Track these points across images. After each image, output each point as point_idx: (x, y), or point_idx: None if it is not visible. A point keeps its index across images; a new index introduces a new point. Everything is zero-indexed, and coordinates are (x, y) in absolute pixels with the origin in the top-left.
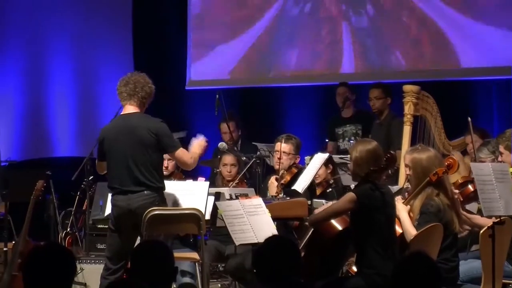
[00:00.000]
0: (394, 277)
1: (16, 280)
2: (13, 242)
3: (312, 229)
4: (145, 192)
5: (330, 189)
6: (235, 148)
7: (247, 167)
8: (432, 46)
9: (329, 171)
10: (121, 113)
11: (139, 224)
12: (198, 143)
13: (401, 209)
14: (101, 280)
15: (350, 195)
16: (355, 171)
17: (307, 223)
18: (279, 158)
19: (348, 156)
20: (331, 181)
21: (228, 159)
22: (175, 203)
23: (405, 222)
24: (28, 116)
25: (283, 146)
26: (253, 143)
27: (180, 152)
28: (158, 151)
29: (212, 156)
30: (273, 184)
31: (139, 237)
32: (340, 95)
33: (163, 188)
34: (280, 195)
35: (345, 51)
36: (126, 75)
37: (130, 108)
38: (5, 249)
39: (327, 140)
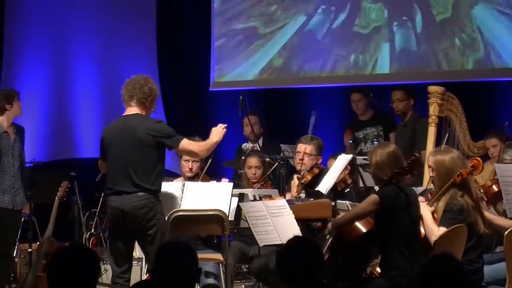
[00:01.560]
0: (420, 279)
1: (40, 281)
2: (38, 243)
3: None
4: (139, 193)
5: (348, 189)
6: (257, 144)
7: (271, 169)
8: (461, 46)
9: (347, 172)
10: (123, 114)
11: (133, 226)
12: (216, 130)
13: (424, 207)
14: (111, 285)
15: (372, 197)
16: (377, 174)
17: (329, 228)
18: (301, 159)
19: None
20: (349, 181)
21: (253, 161)
22: (199, 204)
23: (427, 220)
24: (52, 117)
25: (304, 147)
26: (280, 144)
27: (184, 143)
28: (156, 153)
29: (235, 157)
30: (295, 184)
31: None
32: (355, 102)
33: (158, 190)
34: (301, 194)
35: (374, 51)
36: (130, 77)
37: (130, 110)
38: (29, 249)
39: (351, 141)
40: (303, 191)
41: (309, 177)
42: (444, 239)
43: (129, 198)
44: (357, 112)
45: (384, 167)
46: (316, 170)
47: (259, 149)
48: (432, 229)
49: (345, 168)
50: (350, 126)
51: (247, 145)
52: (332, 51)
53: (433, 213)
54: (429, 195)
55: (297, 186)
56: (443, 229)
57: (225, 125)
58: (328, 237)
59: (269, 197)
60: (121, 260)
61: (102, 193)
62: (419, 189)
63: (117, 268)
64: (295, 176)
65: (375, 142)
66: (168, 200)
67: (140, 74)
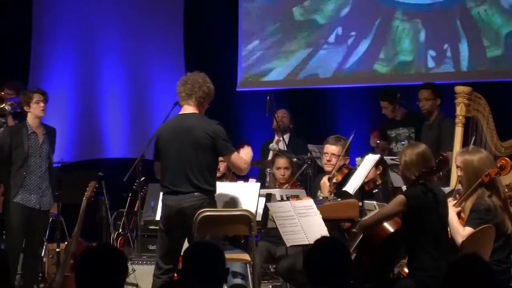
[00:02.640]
0: (447, 279)
1: (68, 280)
2: (66, 243)
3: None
4: (195, 193)
5: (376, 190)
6: (283, 138)
7: (300, 171)
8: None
9: (378, 172)
10: (179, 113)
11: (187, 225)
12: (245, 153)
13: (449, 208)
14: (153, 279)
15: (400, 198)
16: (405, 174)
17: (356, 230)
18: (328, 160)
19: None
20: (378, 182)
21: (281, 162)
22: (227, 204)
23: (452, 220)
24: (80, 118)
25: (332, 148)
26: (308, 144)
27: (235, 156)
28: (213, 154)
29: (260, 157)
30: (325, 184)
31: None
32: (384, 108)
33: (214, 191)
34: (331, 195)
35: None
36: (186, 75)
37: (188, 108)
38: (57, 249)
39: (378, 142)
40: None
41: (339, 177)
42: (471, 239)
43: (186, 198)
44: (388, 117)
45: (412, 167)
46: (345, 170)
47: (284, 145)
48: (458, 229)
49: (377, 168)
50: (382, 125)
51: (273, 145)
52: (360, 51)
53: (460, 212)
54: (457, 195)
55: (330, 186)
56: (468, 229)
57: (249, 147)
58: (354, 240)
59: (296, 197)
60: (166, 258)
61: (130, 193)
62: (446, 189)
63: (162, 264)
64: (324, 177)
65: (403, 143)
66: None
67: (196, 72)
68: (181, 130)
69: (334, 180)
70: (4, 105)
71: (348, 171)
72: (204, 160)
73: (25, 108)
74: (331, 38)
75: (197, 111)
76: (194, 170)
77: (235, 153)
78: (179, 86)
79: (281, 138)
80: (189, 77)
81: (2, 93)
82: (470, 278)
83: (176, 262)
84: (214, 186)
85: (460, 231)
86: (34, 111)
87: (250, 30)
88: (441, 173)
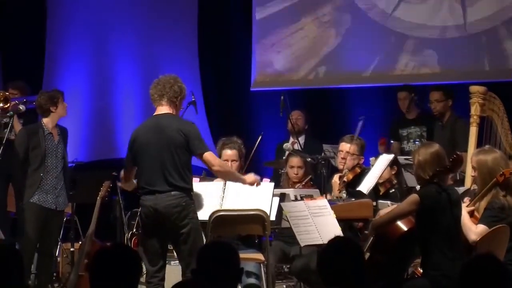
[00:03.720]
0: (462, 279)
1: (82, 280)
2: (80, 242)
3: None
4: (172, 192)
5: (393, 190)
6: (298, 140)
7: (315, 172)
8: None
9: (393, 172)
10: (153, 114)
11: (168, 224)
12: (254, 177)
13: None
14: (146, 285)
15: (413, 197)
16: (419, 174)
17: (368, 231)
18: (343, 158)
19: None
20: (394, 182)
21: (295, 161)
22: (240, 204)
23: (464, 218)
24: (94, 118)
25: (347, 147)
26: (322, 144)
27: (208, 155)
28: (187, 152)
29: (275, 157)
30: (336, 182)
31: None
32: (401, 100)
33: (191, 189)
34: (342, 193)
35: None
36: (158, 77)
37: (161, 109)
38: (72, 249)
39: (392, 141)
40: (344, 191)
41: (350, 176)
42: (486, 239)
43: (162, 197)
44: (402, 110)
45: (426, 166)
46: (358, 170)
47: (299, 147)
48: (470, 226)
49: (392, 168)
50: (394, 124)
51: (288, 145)
52: (375, 50)
53: (473, 212)
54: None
55: (339, 184)
56: (481, 227)
57: (260, 182)
58: (367, 240)
59: (311, 197)
60: (155, 259)
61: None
62: (461, 189)
63: (151, 267)
64: (335, 175)
65: (417, 142)
66: (209, 200)
67: (168, 74)
68: (156, 131)
69: (344, 179)
70: (8, 105)
71: (361, 170)
72: (180, 159)
73: (52, 108)
74: (345, 38)
75: (170, 111)
76: (170, 169)
77: (209, 152)
78: (151, 88)
79: (296, 140)
80: (161, 78)
81: (7, 93)
82: (485, 277)
83: (163, 263)
84: (191, 184)
85: (473, 228)
86: (61, 111)
87: (264, 30)
88: (457, 177)
